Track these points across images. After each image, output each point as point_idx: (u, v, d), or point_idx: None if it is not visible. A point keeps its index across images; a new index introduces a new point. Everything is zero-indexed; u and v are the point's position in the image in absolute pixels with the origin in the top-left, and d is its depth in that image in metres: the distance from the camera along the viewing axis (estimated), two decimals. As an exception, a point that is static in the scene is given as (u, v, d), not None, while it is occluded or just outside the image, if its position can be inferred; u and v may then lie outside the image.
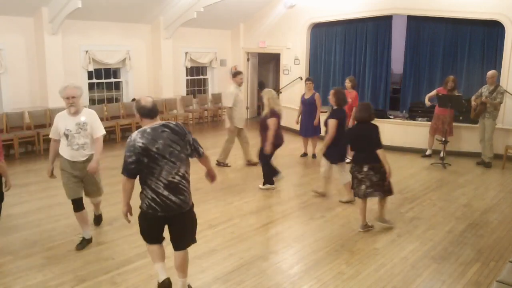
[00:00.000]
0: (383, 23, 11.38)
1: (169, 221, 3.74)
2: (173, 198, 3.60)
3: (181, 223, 3.78)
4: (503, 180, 7.89)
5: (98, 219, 5.57)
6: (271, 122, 6.71)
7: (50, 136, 4.92)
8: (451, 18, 10.13)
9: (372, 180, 5.33)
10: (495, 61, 9.82)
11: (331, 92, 6.52)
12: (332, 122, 6.25)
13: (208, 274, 4.35)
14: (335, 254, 4.84)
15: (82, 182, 4.89)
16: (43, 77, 9.58)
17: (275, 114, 6.81)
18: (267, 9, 12.96)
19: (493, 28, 9.74)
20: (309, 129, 9.02)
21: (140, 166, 3.51)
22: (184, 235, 3.84)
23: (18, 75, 9.34)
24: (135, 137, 3.50)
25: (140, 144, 3.46)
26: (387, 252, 4.89)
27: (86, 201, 5.01)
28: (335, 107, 6.47)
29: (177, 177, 3.64)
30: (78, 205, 4.86)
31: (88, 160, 4.79)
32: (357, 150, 5.46)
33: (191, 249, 4.47)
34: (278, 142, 6.91)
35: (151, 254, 3.95)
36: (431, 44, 10.77)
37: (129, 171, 3.53)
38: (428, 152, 9.37)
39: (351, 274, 4.39)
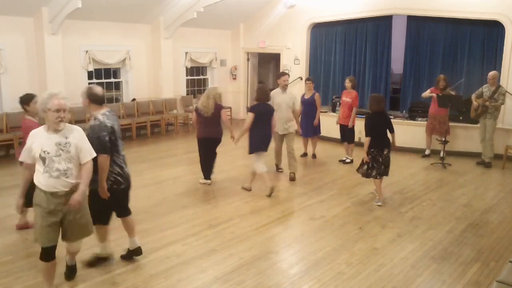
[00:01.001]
0: (383, 23, 11.38)
1: (124, 192, 4.36)
2: (127, 170, 4.37)
3: (128, 193, 4.50)
4: (503, 180, 7.89)
5: (71, 272, 4.26)
6: (224, 113, 7.26)
7: (20, 160, 3.77)
8: (451, 18, 10.13)
9: (387, 161, 6.48)
10: (495, 61, 9.81)
11: (256, 88, 7.27)
12: (249, 115, 6.82)
13: (208, 274, 4.35)
14: (335, 254, 4.84)
15: (61, 223, 3.78)
16: (43, 77, 9.58)
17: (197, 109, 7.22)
18: (267, 9, 12.96)
19: (493, 28, 9.74)
20: (309, 129, 9.02)
21: (110, 144, 4.11)
22: (128, 201, 4.57)
23: (18, 75, 9.33)
24: (103, 119, 4.09)
25: (110, 125, 4.10)
26: (387, 252, 4.89)
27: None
28: (255, 102, 6.98)
29: (123, 153, 4.38)
30: (49, 253, 3.79)
31: (72, 191, 3.71)
32: (377, 137, 6.38)
33: (191, 249, 4.47)
34: (201, 136, 7.21)
35: (102, 235, 4.44)
36: (431, 44, 10.77)
37: (107, 149, 4.07)
38: (427, 152, 9.38)
39: (351, 274, 4.39)
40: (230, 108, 13.63)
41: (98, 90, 4.19)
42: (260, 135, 6.77)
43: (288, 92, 7.69)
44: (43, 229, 3.70)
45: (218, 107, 7.11)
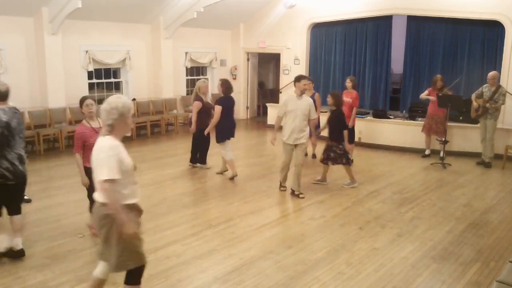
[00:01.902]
0: (383, 23, 11.38)
1: (14, 188, 4.44)
2: (21, 168, 4.43)
3: (22, 189, 4.62)
4: (503, 180, 7.89)
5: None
6: (194, 105, 7.89)
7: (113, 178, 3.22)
8: (451, 18, 10.14)
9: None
10: (495, 61, 9.82)
11: (218, 83, 7.67)
12: (218, 108, 7.34)
13: (208, 274, 4.34)
14: (335, 254, 4.83)
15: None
16: (43, 77, 9.58)
17: (200, 99, 7.92)
18: (267, 9, 12.96)
19: (493, 28, 9.74)
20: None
21: (1, 138, 4.24)
22: (21, 201, 4.69)
23: (18, 75, 9.33)
24: None
25: (5, 120, 4.26)
26: (387, 252, 4.89)
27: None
28: (222, 95, 7.54)
29: (23, 151, 4.50)
30: None
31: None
32: (339, 131, 7.04)
33: (191, 249, 4.47)
34: (200, 127, 7.82)
35: None
36: (431, 44, 10.77)
37: None
38: (427, 152, 9.37)
39: (351, 274, 4.39)
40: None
41: (1, 86, 4.50)
42: (228, 125, 7.49)
43: (305, 98, 6.71)
44: None
45: (194, 99, 7.94)
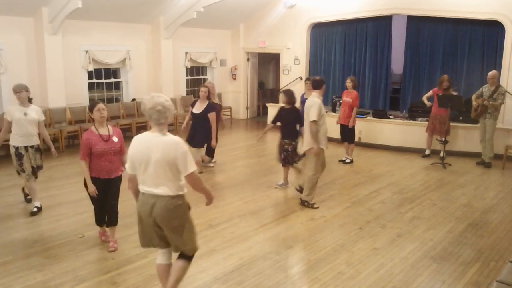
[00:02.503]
0: (383, 23, 11.38)
1: None
2: None
3: None
4: (503, 180, 7.89)
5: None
6: (211, 117, 7.64)
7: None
8: (451, 18, 10.14)
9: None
10: (495, 61, 9.82)
11: (203, 89, 7.64)
12: (213, 115, 7.46)
13: (208, 274, 4.34)
14: (335, 254, 4.83)
15: None
16: (43, 77, 9.58)
17: (214, 107, 7.84)
18: (267, 9, 12.96)
19: (493, 28, 9.74)
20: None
21: None
22: None
23: (18, 75, 9.31)
24: None
25: None
26: (387, 252, 4.89)
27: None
28: (211, 101, 7.68)
29: None
30: None
31: None
32: (293, 129, 6.88)
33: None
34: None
35: None
36: (431, 44, 10.77)
37: None
38: (427, 152, 9.38)
39: (351, 274, 4.39)
40: (230, 108, 13.65)
41: None
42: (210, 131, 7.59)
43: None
44: None
45: (209, 109, 7.59)
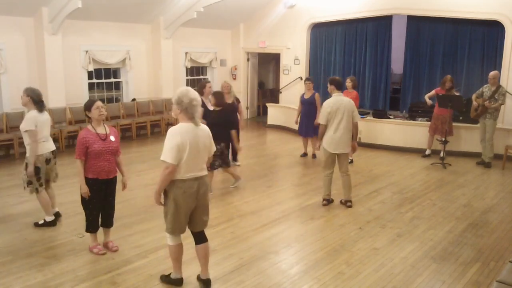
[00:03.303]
0: (383, 23, 11.39)
1: None
2: None
3: None
4: (503, 180, 7.89)
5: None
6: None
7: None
8: (451, 18, 10.14)
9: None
10: (495, 61, 9.82)
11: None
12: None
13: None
14: (335, 254, 4.83)
15: None
16: (43, 77, 9.58)
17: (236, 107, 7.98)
18: (267, 9, 12.96)
19: (493, 28, 9.74)
20: (309, 129, 9.02)
21: None
22: None
23: (18, 75, 9.33)
24: None
25: None
26: (387, 252, 4.89)
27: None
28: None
29: None
30: None
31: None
32: (226, 132, 6.67)
33: (192, 249, 4.46)
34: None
35: None
36: (431, 44, 10.78)
37: None
38: (427, 152, 9.37)
39: (351, 274, 4.39)
40: (230, 108, 13.63)
41: None
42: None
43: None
44: None
45: (232, 114, 7.56)
